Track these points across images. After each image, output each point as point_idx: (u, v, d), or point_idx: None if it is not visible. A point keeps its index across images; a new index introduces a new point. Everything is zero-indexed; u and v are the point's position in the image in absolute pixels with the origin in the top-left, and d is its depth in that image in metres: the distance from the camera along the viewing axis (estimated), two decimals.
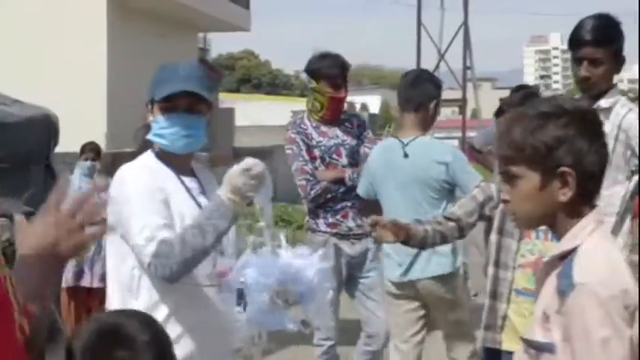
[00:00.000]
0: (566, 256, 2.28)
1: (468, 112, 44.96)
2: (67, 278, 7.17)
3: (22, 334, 1.90)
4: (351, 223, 5.62)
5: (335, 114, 5.76)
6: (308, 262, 3.14)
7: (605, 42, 4.17)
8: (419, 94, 5.33)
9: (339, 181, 5.58)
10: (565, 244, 2.30)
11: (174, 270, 3.03)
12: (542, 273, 2.41)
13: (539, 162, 2.27)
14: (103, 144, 18.48)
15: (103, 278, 6.71)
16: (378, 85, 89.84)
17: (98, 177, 7.58)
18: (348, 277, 5.71)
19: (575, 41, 4.26)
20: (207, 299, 3.22)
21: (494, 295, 3.84)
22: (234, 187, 3.04)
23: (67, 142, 8.80)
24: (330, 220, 5.61)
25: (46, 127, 8.02)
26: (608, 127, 4.04)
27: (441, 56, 37.25)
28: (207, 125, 3.39)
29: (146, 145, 3.43)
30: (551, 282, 2.30)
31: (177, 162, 3.33)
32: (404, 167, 5.22)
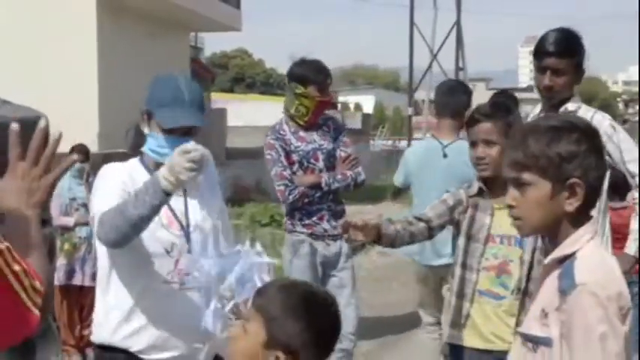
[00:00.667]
0: (564, 260, 2.47)
1: None
2: (59, 277, 7.37)
3: (38, 294, 1.99)
4: (326, 225, 5.71)
5: (318, 118, 5.82)
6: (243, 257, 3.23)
7: (567, 54, 4.41)
8: (455, 103, 6.16)
9: (316, 186, 5.66)
10: (565, 249, 2.47)
11: (111, 236, 3.20)
12: (542, 274, 2.61)
13: (553, 172, 2.44)
14: (95, 144, 18.50)
15: (94, 277, 6.90)
16: (372, 85, 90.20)
17: (93, 180, 7.60)
18: (323, 275, 5.81)
19: (540, 52, 4.48)
20: (169, 296, 3.35)
21: (460, 295, 3.98)
22: (170, 168, 3.14)
23: (61, 144, 8.79)
24: (307, 221, 5.69)
25: (36, 128, 8.04)
26: None
27: (434, 56, 37.39)
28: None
29: (137, 148, 3.58)
30: (552, 282, 2.48)
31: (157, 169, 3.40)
32: (442, 166, 6.05)
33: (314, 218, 5.69)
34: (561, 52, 4.40)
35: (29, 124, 7.66)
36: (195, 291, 3.30)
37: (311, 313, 2.42)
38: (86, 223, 7.16)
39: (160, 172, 3.16)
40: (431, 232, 4.05)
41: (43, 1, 19.13)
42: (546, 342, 2.46)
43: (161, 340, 3.36)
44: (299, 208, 5.70)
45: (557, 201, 2.45)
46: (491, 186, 3.95)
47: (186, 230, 3.41)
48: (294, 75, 5.82)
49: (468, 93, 6.32)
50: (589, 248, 2.46)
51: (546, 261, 2.57)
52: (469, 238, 3.96)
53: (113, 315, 3.41)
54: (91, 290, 6.76)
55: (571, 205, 2.44)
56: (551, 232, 2.53)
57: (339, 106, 42.67)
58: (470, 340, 3.94)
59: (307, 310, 2.42)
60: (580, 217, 2.48)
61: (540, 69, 4.46)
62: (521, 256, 3.85)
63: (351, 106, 66.98)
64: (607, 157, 4.18)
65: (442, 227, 4.08)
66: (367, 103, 68.93)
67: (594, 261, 2.44)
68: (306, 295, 2.49)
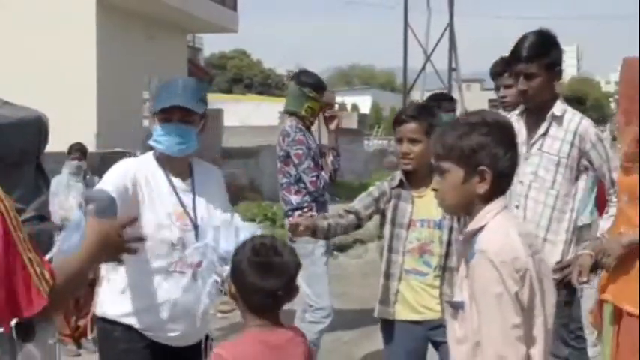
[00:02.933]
0: (476, 234, 2.85)
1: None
2: None
3: (47, 283, 2.34)
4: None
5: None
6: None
7: (537, 57, 4.57)
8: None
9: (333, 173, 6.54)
10: (474, 224, 2.87)
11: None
12: (460, 248, 3.05)
13: (465, 161, 2.85)
14: (93, 144, 18.80)
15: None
16: (369, 85, 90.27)
17: (90, 178, 7.99)
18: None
19: (512, 58, 4.70)
20: (172, 282, 3.72)
21: (387, 275, 4.44)
22: None
23: (58, 143, 9.00)
24: (322, 212, 6.22)
25: (37, 128, 8.16)
26: (562, 133, 4.61)
27: (427, 57, 37.63)
28: (200, 133, 3.87)
29: (151, 149, 3.94)
30: (464, 254, 2.93)
31: (172, 164, 3.81)
32: None
33: (326, 208, 6.41)
34: (529, 56, 4.57)
35: (30, 123, 7.89)
36: (196, 278, 3.68)
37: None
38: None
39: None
40: (360, 222, 4.52)
41: (43, 3, 19.44)
42: (461, 305, 2.87)
43: (162, 321, 3.73)
44: (317, 199, 6.39)
45: (470, 185, 2.84)
46: (412, 178, 4.44)
47: (193, 223, 3.76)
48: (306, 81, 6.56)
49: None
50: (495, 221, 2.84)
51: (461, 237, 2.98)
52: (393, 224, 4.42)
53: (120, 294, 3.78)
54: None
55: (481, 188, 2.83)
56: (467, 210, 2.93)
57: (337, 106, 42.92)
58: (401, 313, 4.42)
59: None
60: (490, 200, 2.87)
61: (514, 74, 4.69)
62: (440, 237, 4.34)
63: (348, 106, 67.23)
64: (587, 163, 4.62)
65: (370, 217, 4.53)
66: (364, 103, 69.15)
67: (497, 232, 2.81)
68: None
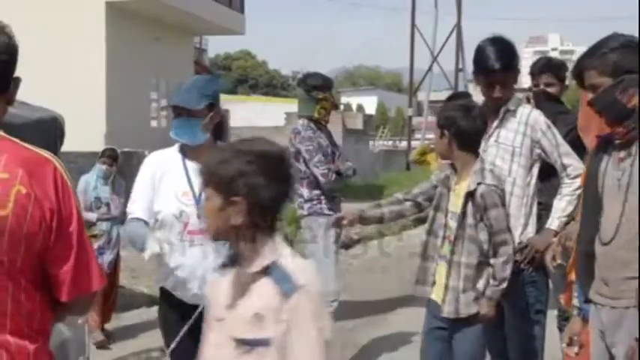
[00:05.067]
0: (266, 270, 2.72)
1: None
2: None
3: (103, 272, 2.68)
4: (341, 208, 6.72)
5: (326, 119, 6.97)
6: None
7: (510, 67, 4.87)
8: None
9: (339, 173, 6.80)
10: (263, 262, 2.72)
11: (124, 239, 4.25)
12: (242, 282, 2.80)
13: (222, 188, 2.71)
14: (102, 143, 19.10)
15: (108, 266, 7.77)
16: (375, 86, 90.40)
17: (118, 181, 8.23)
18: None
19: (485, 69, 4.91)
20: (183, 250, 4.28)
21: (426, 257, 4.68)
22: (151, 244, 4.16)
23: (68, 142, 9.26)
24: (330, 205, 6.74)
25: (53, 128, 8.38)
26: (515, 124, 4.91)
27: (434, 58, 37.86)
28: (208, 123, 4.40)
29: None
30: (264, 288, 2.72)
31: (190, 151, 4.39)
32: None
33: (335, 201, 6.79)
34: (507, 67, 4.84)
35: (46, 123, 8.24)
36: (203, 246, 4.20)
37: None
38: (107, 219, 7.94)
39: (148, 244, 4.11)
40: (420, 207, 4.85)
41: (54, 7, 19.79)
42: (264, 342, 2.69)
43: (181, 282, 4.30)
44: (326, 194, 6.72)
45: (226, 214, 2.69)
46: (454, 169, 4.64)
47: (197, 198, 4.24)
48: (313, 85, 6.87)
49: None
50: (288, 255, 2.75)
51: (250, 270, 2.75)
52: (437, 209, 4.68)
53: (156, 267, 4.46)
54: (107, 276, 7.19)
55: (235, 220, 2.70)
56: (230, 239, 2.79)
57: (342, 107, 43.05)
58: (434, 293, 4.64)
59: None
60: (253, 233, 2.73)
61: (488, 84, 4.91)
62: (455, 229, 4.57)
63: (354, 107, 67.43)
64: (540, 151, 4.88)
65: (429, 201, 4.79)
66: (370, 104, 69.32)
67: (300, 265, 2.75)
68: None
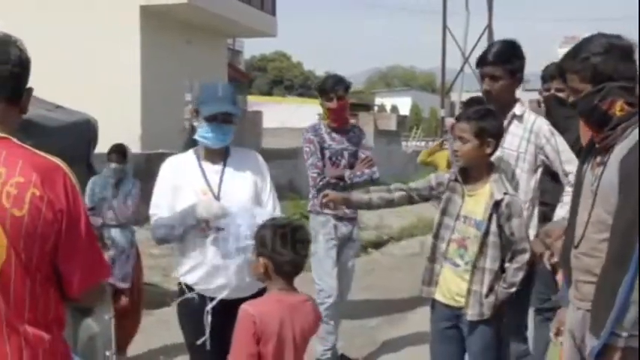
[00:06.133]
0: None
1: None
2: None
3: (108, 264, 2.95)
4: (347, 210, 6.77)
5: (340, 120, 7.03)
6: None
7: (501, 62, 5.02)
8: None
9: (340, 178, 6.83)
10: None
11: (159, 239, 4.57)
12: None
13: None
14: (137, 145, 19.42)
15: (124, 279, 7.22)
16: (409, 86, 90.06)
17: (128, 181, 7.66)
18: (338, 248, 7.03)
19: (480, 61, 5.14)
20: (206, 246, 4.46)
21: (432, 260, 4.83)
22: (207, 212, 4.38)
23: (105, 144, 9.39)
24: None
25: (86, 131, 8.51)
26: (520, 130, 5.07)
27: (465, 59, 37.85)
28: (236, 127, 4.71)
29: (190, 142, 4.75)
30: None
31: (209, 153, 4.60)
32: None
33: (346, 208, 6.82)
34: (495, 60, 5.01)
35: (80, 126, 8.46)
36: (225, 242, 4.36)
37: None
38: (115, 225, 7.26)
39: (198, 211, 4.36)
40: (411, 200, 5.00)
41: (91, 13, 20.12)
42: None
43: (203, 277, 4.50)
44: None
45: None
46: (468, 175, 4.75)
47: (217, 197, 4.48)
48: (318, 90, 7.09)
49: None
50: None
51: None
52: (444, 214, 4.78)
53: (179, 261, 4.64)
54: (123, 292, 7.15)
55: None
56: None
57: (376, 108, 42.92)
58: (438, 294, 4.81)
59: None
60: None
61: (480, 76, 5.14)
62: (476, 236, 4.64)
63: (388, 107, 67.30)
64: (544, 158, 5.03)
65: (422, 198, 4.98)
66: (404, 104, 69.17)
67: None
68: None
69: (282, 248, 3.69)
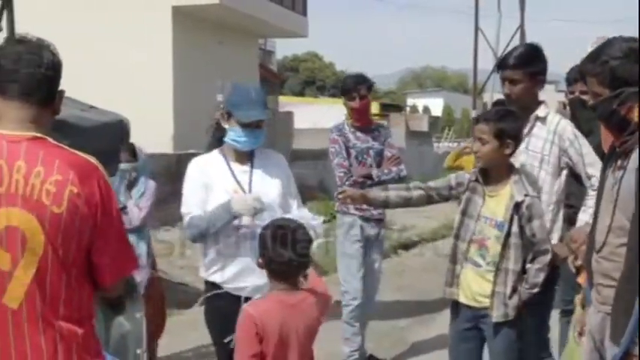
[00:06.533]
0: None
1: None
2: None
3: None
4: (374, 211, 6.87)
5: (363, 119, 7.00)
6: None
7: (520, 65, 5.04)
8: None
9: (368, 177, 6.80)
10: None
11: (194, 237, 4.63)
12: None
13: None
14: (169, 145, 19.54)
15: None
16: (441, 87, 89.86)
17: (142, 182, 7.35)
18: (364, 249, 7.02)
19: (500, 65, 5.18)
20: (236, 245, 4.56)
21: (453, 261, 4.83)
22: (242, 207, 4.49)
23: (138, 144, 9.50)
24: (358, 206, 6.73)
25: (119, 131, 8.64)
26: (544, 132, 5.07)
27: (498, 60, 37.55)
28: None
29: (216, 141, 4.83)
30: None
31: (235, 154, 4.68)
32: None
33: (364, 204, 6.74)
34: (514, 64, 5.02)
35: (112, 126, 8.57)
36: (254, 241, 4.34)
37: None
38: (128, 230, 6.79)
39: (233, 207, 4.45)
40: (430, 199, 5.00)
41: (123, 14, 20.29)
42: None
43: (233, 276, 4.56)
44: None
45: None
46: (488, 176, 4.77)
47: None
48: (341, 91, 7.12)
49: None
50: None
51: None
52: (464, 214, 4.79)
53: (209, 261, 4.68)
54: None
55: None
56: None
57: (408, 109, 42.90)
58: (459, 295, 4.80)
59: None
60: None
61: (501, 80, 5.15)
62: (497, 237, 4.66)
63: (420, 108, 67.22)
64: (568, 160, 5.03)
65: (441, 198, 4.97)
66: (436, 105, 69.05)
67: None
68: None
69: (280, 248, 3.75)
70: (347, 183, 6.69)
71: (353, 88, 6.90)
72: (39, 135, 2.73)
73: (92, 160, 2.80)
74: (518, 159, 5.01)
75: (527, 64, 5.07)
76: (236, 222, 4.52)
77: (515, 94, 5.08)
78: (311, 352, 3.98)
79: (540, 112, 5.12)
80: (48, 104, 2.81)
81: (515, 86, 5.07)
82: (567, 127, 5.08)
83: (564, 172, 5.13)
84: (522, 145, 5.02)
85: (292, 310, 3.78)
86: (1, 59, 2.77)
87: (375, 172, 6.84)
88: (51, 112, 2.84)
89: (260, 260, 3.86)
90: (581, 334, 3.98)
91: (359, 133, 6.95)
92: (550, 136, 5.06)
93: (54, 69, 2.80)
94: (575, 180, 5.20)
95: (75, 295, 2.74)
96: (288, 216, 4.31)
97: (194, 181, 4.66)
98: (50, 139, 2.76)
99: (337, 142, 6.88)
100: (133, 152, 7.42)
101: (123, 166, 7.13)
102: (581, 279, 4.08)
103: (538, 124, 5.10)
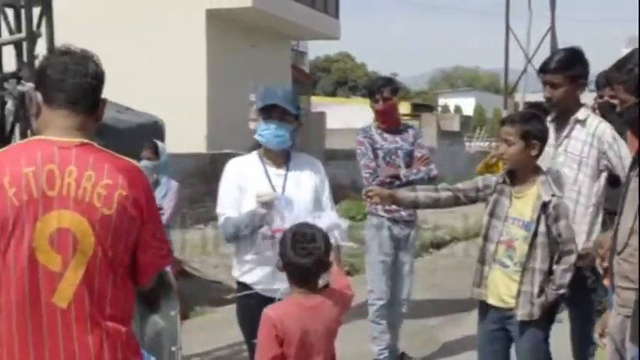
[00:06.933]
0: None
1: None
2: None
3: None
4: (403, 212, 6.89)
5: (388, 121, 7.05)
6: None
7: (561, 69, 5.10)
8: None
9: (396, 177, 6.83)
10: None
11: (228, 237, 4.74)
12: None
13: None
14: (203, 146, 19.70)
15: None
16: (472, 87, 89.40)
17: (167, 181, 7.61)
18: (394, 251, 7.04)
19: (541, 69, 5.25)
20: (268, 247, 4.60)
21: (482, 261, 4.89)
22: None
23: (170, 144, 9.57)
24: (387, 207, 6.79)
25: (154, 132, 8.80)
26: (583, 135, 5.11)
27: (528, 60, 37.54)
28: (296, 133, 4.78)
29: (256, 143, 4.89)
30: None
31: (270, 156, 4.74)
32: None
33: (393, 205, 6.65)
34: (555, 68, 5.10)
35: (148, 127, 8.77)
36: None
37: None
38: None
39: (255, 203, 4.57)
40: (457, 200, 5.05)
41: (158, 17, 20.54)
42: None
43: (264, 278, 4.64)
44: None
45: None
46: (515, 178, 4.83)
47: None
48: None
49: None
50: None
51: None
52: (492, 216, 4.84)
53: (239, 261, 4.80)
54: None
55: None
56: None
57: (440, 109, 42.63)
58: (487, 296, 4.85)
59: None
60: None
61: (542, 84, 5.22)
62: (524, 237, 4.70)
63: (451, 108, 66.97)
64: (607, 162, 5.07)
65: (469, 199, 5.02)
66: (467, 105, 68.74)
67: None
68: None
69: (298, 253, 3.83)
70: (373, 183, 6.70)
71: (376, 90, 6.97)
72: (86, 141, 2.86)
73: (135, 163, 2.95)
74: (557, 161, 5.08)
75: (567, 67, 5.13)
76: (264, 229, 4.59)
77: (557, 97, 5.14)
78: (333, 351, 4.04)
79: (580, 114, 5.16)
80: (92, 112, 2.94)
81: (556, 90, 5.13)
82: (607, 130, 5.11)
83: (604, 175, 5.16)
84: (561, 148, 5.10)
85: (312, 312, 3.86)
86: (47, 69, 2.91)
87: (402, 172, 6.87)
88: (95, 119, 2.97)
89: (280, 264, 3.94)
90: (602, 335, 4.03)
91: (386, 134, 7.00)
92: (589, 139, 5.10)
93: (97, 79, 2.93)
94: (610, 184, 5.22)
95: (120, 294, 2.86)
96: (314, 221, 4.32)
97: (230, 182, 4.74)
98: (97, 145, 2.89)
99: (363, 144, 6.93)
100: (155, 151, 7.57)
101: (144, 163, 7.17)
102: (607, 281, 4.14)
103: (577, 126, 5.15)
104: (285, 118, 4.66)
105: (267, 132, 4.64)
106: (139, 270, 2.95)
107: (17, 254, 2.73)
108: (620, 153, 5.04)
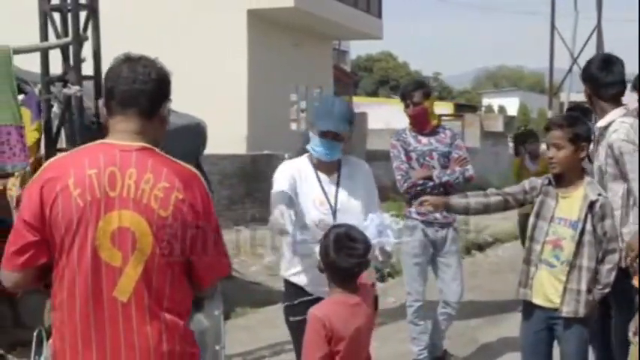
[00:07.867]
0: None
1: None
2: None
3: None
4: (437, 214, 6.82)
5: (420, 125, 7.07)
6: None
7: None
8: None
9: (429, 179, 6.88)
10: None
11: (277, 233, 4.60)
12: None
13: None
14: (243, 146, 19.81)
15: None
16: (517, 87, 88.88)
17: None
18: (432, 255, 7.08)
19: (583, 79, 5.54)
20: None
21: (527, 262, 4.94)
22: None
23: (212, 145, 9.78)
24: (423, 210, 6.63)
25: (197, 133, 8.87)
26: (605, 142, 5.32)
27: (574, 60, 37.26)
28: (347, 141, 4.81)
29: (303, 149, 4.94)
30: None
31: (322, 164, 4.76)
32: None
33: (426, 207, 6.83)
34: (584, 79, 5.44)
35: (190, 129, 8.84)
36: None
37: None
38: None
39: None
40: (507, 204, 5.11)
41: (200, 20, 20.72)
42: None
43: (314, 280, 4.58)
44: (415, 197, 6.59)
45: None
46: (561, 179, 4.91)
47: (333, 209, 4.67)
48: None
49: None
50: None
51: None
52: (538, 217, 4.92)
53: (289, 261, 4.80)
54: None
55: None
56: None
57: (484, 109, 42.32)
58: (532, 296, 4.90)
59: None
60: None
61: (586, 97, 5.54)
62: (572, 236, 4.78)
63: (495, 108, 66.61)
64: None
65: (518, 202, 5.10)
66: (511, 105, 68.33)
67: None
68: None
69: (333, 254, 3.90)
70: (405, 185, 6.83)
71: (407, 95, 7.01)
72: (147, 145, 2.98)
73: (193, 169, 3.05)
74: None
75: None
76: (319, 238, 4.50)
77: (593, 105, 5.48)
78: (369, 350, 4.12)
79: (600, 122, 5.38)
80: (150, 116, 3.03)
81: (590, 99, 5.47)
82: (614, 144, 5.26)
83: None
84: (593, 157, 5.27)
85: (355, 310, 3.93)
86: (105, 78, 3.07)
87: (435, 172, 6.89)
88: (158, 123, 3.08)
89: (320, 265, 4.01)
90: (636, 333, 4.06)
91: (420, 137, 7.02)
92: (605, 149, 5.32)
93: (150, 83, 3.05)
94: None
95: (177, 292, 2.98)
96: (367, 222, 4.38)
97: (284, 185, 4.72)
98: (157, 150, 3.01)
99: (396, 147, 6.99)
100: None
101: None
102: (636, 281, 4.17)
103: (604, 133, 5.35)
104: (339, 138, 4.71)
105: (320, 149, 4.70)
106: (195, 275, 3.06)
107: (81, 252, 2.89)
108: (625, 168, 5.22)
